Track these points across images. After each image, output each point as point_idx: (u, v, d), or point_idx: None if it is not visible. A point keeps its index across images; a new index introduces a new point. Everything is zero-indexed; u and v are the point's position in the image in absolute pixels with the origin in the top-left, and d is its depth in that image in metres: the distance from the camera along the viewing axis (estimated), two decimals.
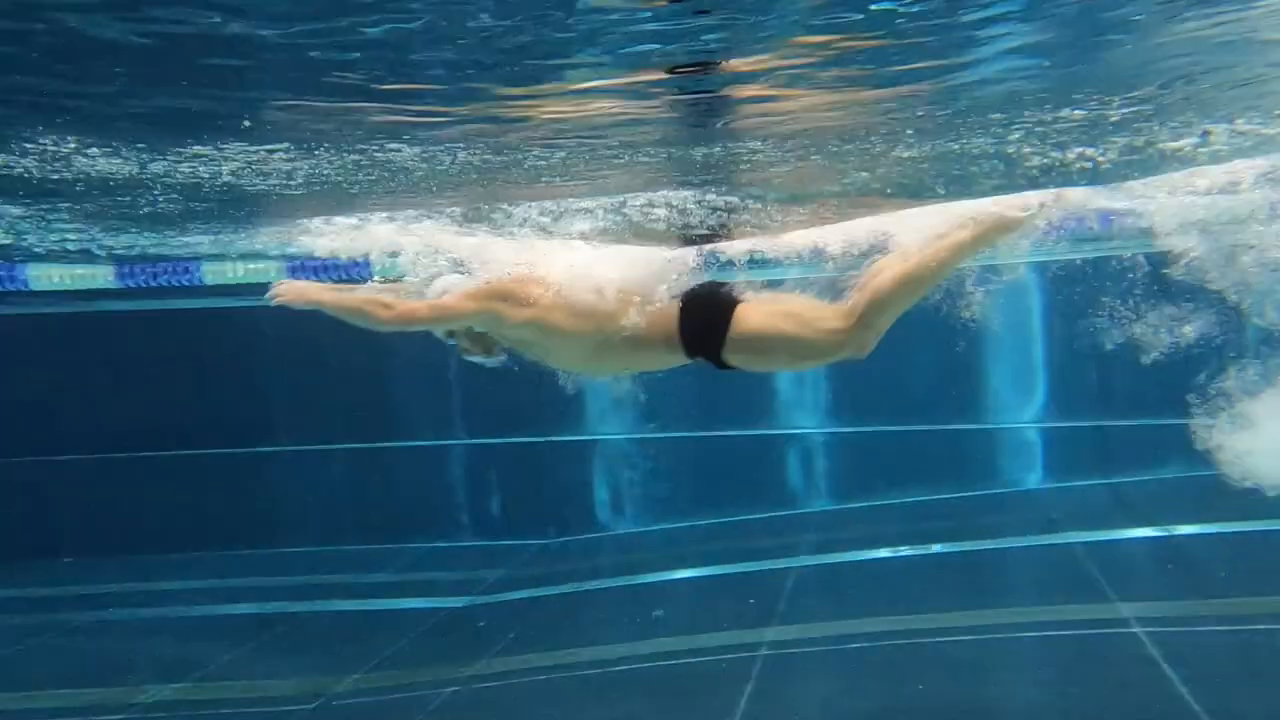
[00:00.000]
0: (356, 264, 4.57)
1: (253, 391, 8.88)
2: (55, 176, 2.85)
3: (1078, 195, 3.39)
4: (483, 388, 8.47)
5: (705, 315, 3.10)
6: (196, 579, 8.18)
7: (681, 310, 3.11)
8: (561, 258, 3.36)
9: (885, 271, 3.00)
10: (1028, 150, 3.09)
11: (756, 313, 3.06)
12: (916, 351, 8.27)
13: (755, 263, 4.44)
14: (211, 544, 8.71)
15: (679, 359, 3.19)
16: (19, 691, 5.43)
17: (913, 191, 3.64)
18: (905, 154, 3.07)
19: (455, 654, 6.00)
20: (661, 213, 3.71)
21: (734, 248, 4.22)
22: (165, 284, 5.27)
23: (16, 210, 3.53)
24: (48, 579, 8.17)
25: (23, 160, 2.67)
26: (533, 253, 3.45)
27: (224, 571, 8.36)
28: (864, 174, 3.37)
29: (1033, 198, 3.22)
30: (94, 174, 2.84)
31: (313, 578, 8.35)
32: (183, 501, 8.76)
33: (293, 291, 3.10)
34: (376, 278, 4.04)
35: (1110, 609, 5.02)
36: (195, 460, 8.87)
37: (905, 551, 7.01)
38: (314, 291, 3.13)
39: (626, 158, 2.94)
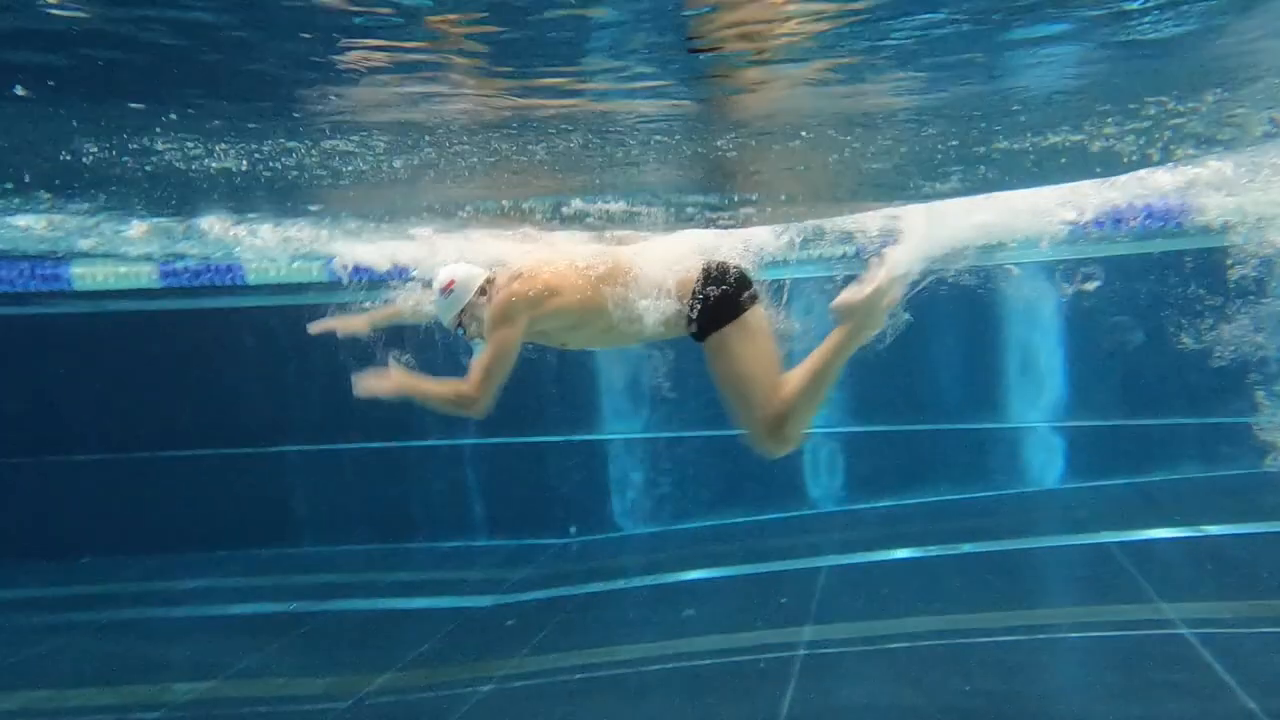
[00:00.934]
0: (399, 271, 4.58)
1: (268, 390, 8.85)
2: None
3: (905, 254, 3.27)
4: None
5: (719, 300, 3.17)
6: (214, 578, 8.14)
7: (701, 278, 3.21)
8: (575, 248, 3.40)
9: (791, 385, 3.09)
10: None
11: (753, 335, 3.09)
12: (933, 350, 8.28)
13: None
14: (226, 543, 8.67)
15: (680, 328, 3.26)
16: (50, 690, 5.38)
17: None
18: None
19: (486, 653, 5.95)
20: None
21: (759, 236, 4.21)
22: (207, 283, 5.25)
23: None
24: (68, 578, 8.13)
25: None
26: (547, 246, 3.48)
27: (241, 570, 8.33)
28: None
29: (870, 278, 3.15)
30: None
31: (332, 577, 8.31)
32: (198, 501, 8.73)
33: (387, 385, 3.12)
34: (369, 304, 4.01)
35: (1153, 609, 4.96)
36: (210, 460, 8.83)
37: (935, 551, 6.96)
38: (409, 383, 3.12)
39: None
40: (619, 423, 8.95)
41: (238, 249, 4.52)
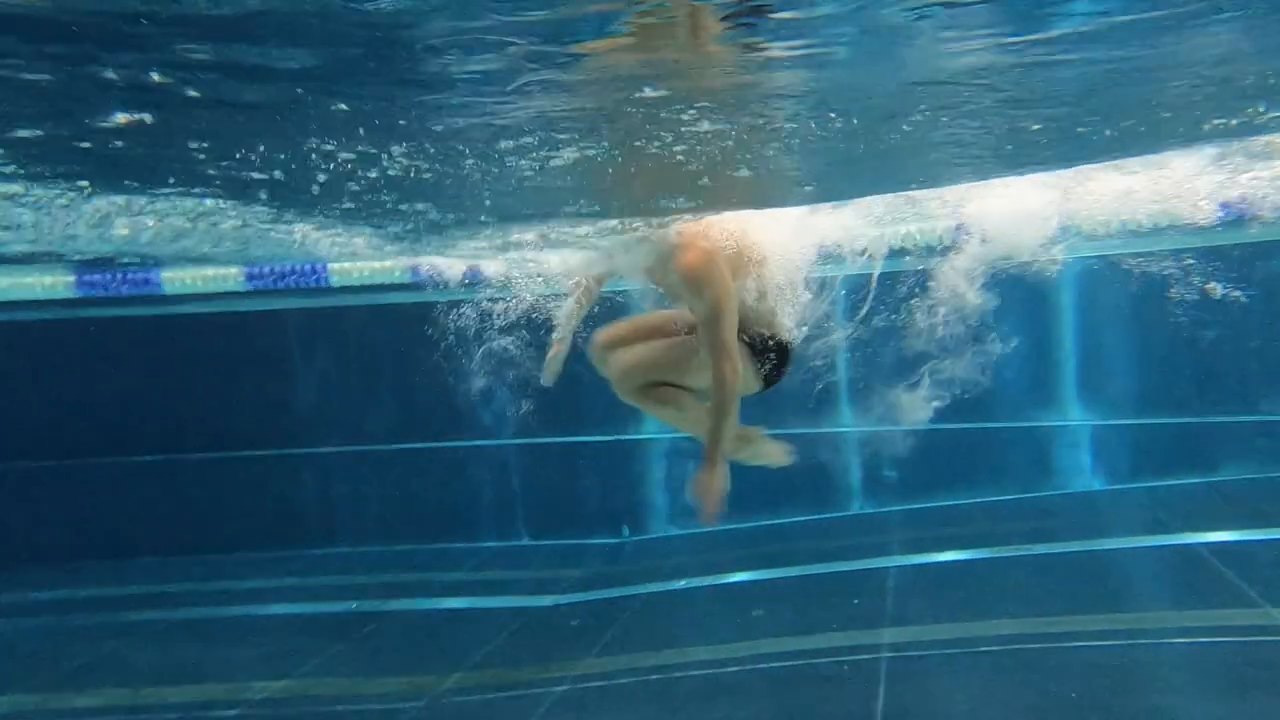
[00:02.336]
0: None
1: (311, 391, 8.87)
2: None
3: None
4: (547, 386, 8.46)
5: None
6: (267, 578, 8.16)
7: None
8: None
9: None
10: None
11: None
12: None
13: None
14: (273, 543, 8.69)
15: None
16: (127, 688, 5.38)
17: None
18: None
19: (554, 653, 5.88)
20: None
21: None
22: (292, 285, 5.25)
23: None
24: (123, 578, 8.17)
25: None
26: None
27: (292, 571, 8.33)
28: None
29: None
30: None
31: (386, 577, 8.29)
32: (244, 502, 8.76)
33: (717, 482, 3.11)
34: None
35: (1262, 614, 4.77)
36: (254, 461, 8.86)
37: (1006, 552, 6.80)
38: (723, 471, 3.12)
39: None
40: (650, 422, 8.86)
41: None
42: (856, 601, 6.09)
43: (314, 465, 8.99)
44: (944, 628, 5.38)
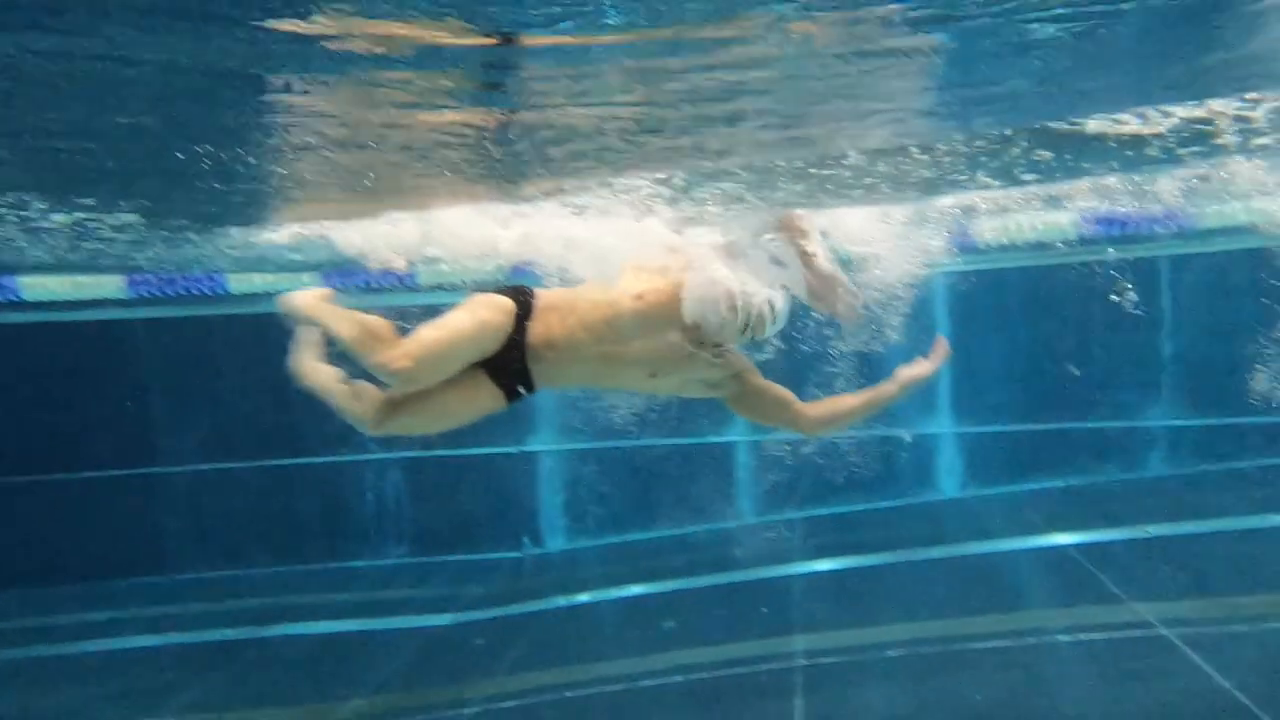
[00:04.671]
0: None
1: (173, 406, 8.21)
2: None
3: None
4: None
5: None
6: (119, 609, 7.39)
7: None
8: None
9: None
10: None
11: None
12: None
13: None
14: (129, 570, 7.94)
15: None
16: None
17: None
18: None
19: (460, 673, 5.62)
20: None
21: None
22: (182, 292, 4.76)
23: None
24: None
25: None
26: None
27: (151, 600, 7.60)
28: None
29: None
30: None
31: (263, 600, 7.71)
32: (96, 525, 7.95)
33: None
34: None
35: (1127, 609, 5.15)
36: (93, 483, 8.08)
37: (899, 557, 7.07)
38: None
39: None
40: (559, 435, 8.73)
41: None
42: (765, 610, 6.17)
43: (177, 484, 8.28)
44: (851, 633, 5.53)
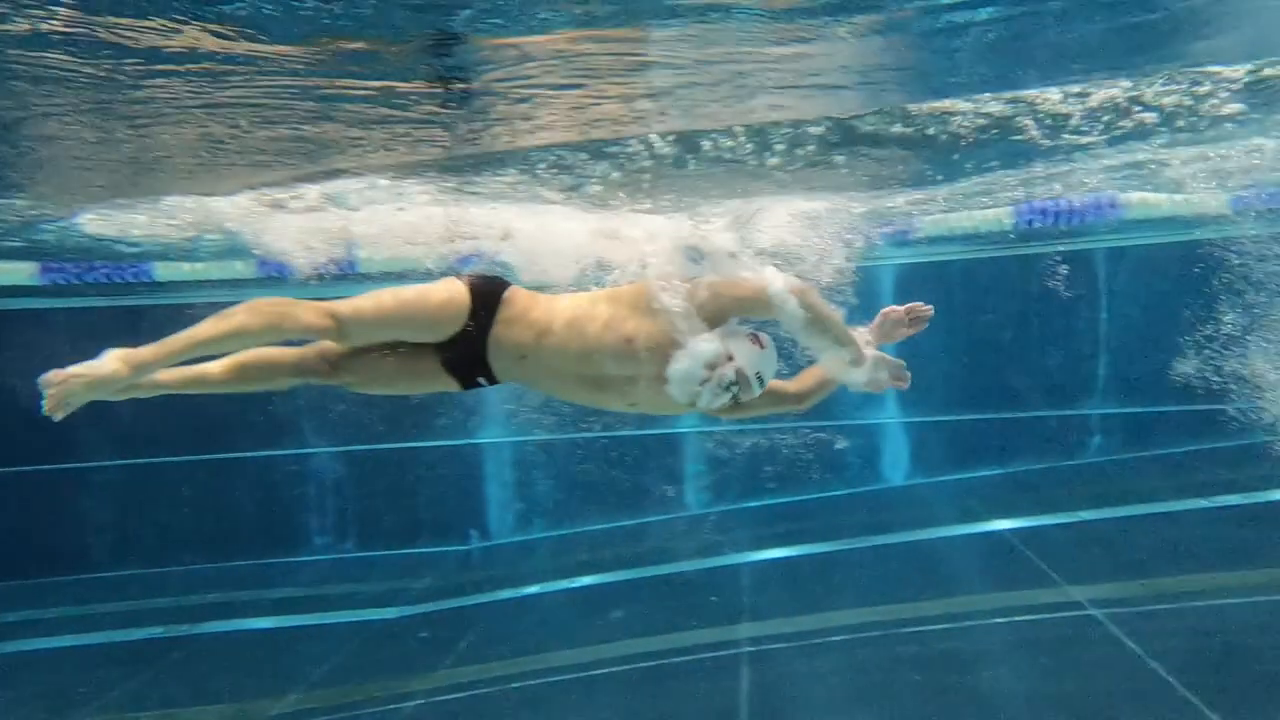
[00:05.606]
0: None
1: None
2: None
3: None
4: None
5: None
6: (37, 608, 7.06)
7: None
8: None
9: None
10: None
11: None
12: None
13: None
14: (48, 568, 7.60)
15: None
16: None
17: None
18: None
19: (404, 666, 5.50)
20: None
21: None
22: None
23: None
24: None
25: None
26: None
27: (71, 599, 7.26)
28: None
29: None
30: None
31: (195, 598, 7.44)
32: (9, 523, 7.60)
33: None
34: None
35: (1060, 592, 5.30)
36: (20, 478, 7.72)
37: (844, 545, 7.14)
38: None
39: None
40: (511, 426, 8.62)
41: None
42: (714, 599, 6.17)
43: (100, 480, 7.94)
44: (797, 620, 5.56)
